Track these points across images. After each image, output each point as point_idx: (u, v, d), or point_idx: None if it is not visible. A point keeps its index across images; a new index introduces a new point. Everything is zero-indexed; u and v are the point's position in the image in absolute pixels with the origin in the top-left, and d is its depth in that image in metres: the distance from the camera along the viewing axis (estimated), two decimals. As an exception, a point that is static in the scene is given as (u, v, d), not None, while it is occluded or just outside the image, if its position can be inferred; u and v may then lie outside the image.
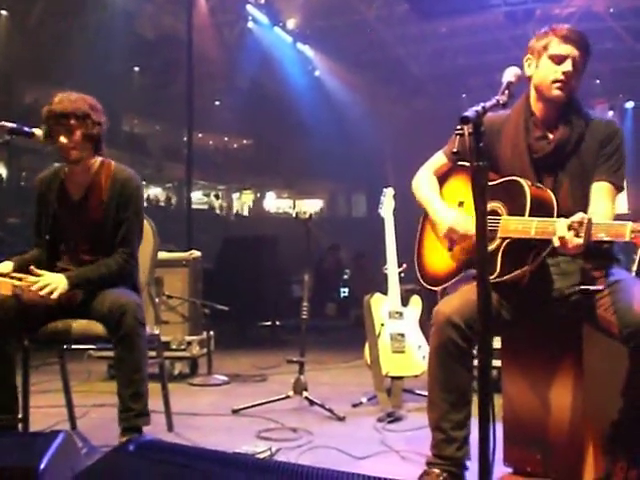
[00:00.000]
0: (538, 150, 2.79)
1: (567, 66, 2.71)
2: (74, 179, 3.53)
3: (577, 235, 2.39)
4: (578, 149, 2.77)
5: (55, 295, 3.20)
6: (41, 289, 3.18)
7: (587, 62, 2.77)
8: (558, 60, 2.72)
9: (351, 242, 16.55)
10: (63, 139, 3.34)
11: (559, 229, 2.44)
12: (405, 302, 4.80)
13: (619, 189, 2.77)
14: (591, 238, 2.37)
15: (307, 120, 20.66)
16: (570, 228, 2.41)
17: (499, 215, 2.70)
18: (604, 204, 2.70)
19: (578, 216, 2.42)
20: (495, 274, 2.62)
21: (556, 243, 2.46)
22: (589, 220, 2.38)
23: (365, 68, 18.63)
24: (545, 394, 2.88)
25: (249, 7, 16.67)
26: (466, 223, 2.80)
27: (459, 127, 2.11)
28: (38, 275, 3.23)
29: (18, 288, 3.20)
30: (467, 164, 2.87)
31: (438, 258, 3.00)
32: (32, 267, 3.26)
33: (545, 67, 2.74)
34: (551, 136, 2.79)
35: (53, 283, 3.21)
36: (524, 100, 2.86)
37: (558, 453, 2.83)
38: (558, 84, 2.72)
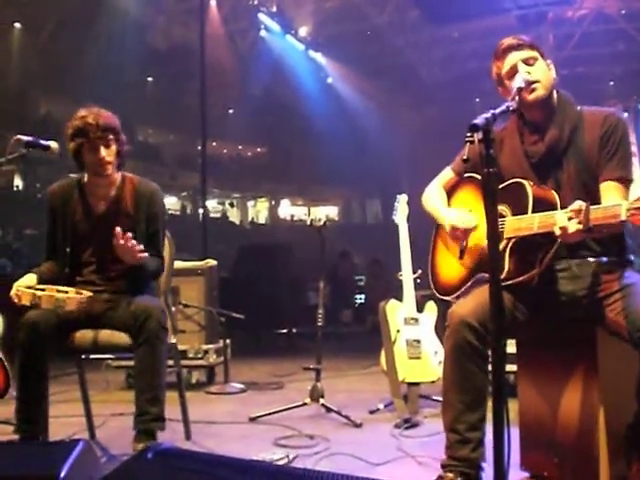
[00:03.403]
0: (534, 154, 2.83)
1: (523, 70, 2.77)
2: (97, 192, 3.56)
3: (577, 223, 2.41)
4: (574, 145, 2.78)
5: (141, 247, 3.22)
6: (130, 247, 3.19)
7: (541, 52, 2.82)
8: (514, 72, 2.78)
9: (366, 248, 16.58)
10: (103, 152, 3.39)
11: (559, 220, 2.46)
12: (420, 308, 4.79)
13: (629, 182, 2.75)
14: (589, 223, 2.39)
15: (320, 127, 20.74)
16: (570, 218, 2.43)
17: (504, 217, 2.73)
18: (614, 201, 2.70)
19: (576, 204, 2.44)
20: (504, 273, 2.64)
21: (557, 233, 2.48)
22: (587, 206, 2.40)
23: (377, 74, 18.69)
24: (561, 398, 2.88)
25: (261, 15, 16.79)
26: (467, 219, 2.88)
27: (469, 134, 2.14)
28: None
29: (37, 298, 3.19)
30: (475, 175, 2.91)
31: (450, 268, 3.04)
32: None
33: (511, 85, 2.77)
34: (544, 139, 2.82)
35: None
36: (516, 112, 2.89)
37: (574, 457, 2.82)
38: (528, 88, 2.76)
